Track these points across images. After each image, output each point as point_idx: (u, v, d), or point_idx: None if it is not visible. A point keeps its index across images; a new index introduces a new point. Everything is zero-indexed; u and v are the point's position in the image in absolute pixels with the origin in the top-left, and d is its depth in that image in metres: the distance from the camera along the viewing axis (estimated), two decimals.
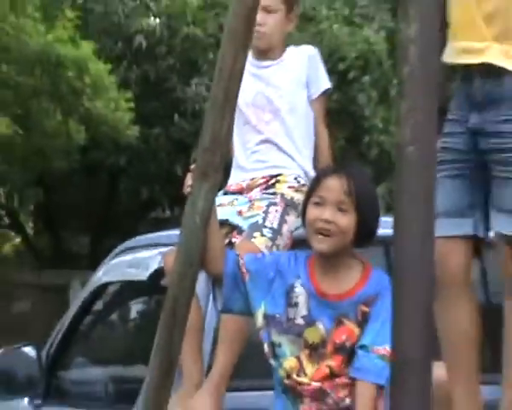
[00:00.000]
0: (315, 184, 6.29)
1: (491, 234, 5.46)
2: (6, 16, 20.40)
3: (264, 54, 7.19)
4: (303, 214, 6.33)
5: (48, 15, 22.26)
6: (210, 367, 7.02)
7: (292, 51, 7.22)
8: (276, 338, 6.23)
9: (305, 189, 6.77)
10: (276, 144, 6.91)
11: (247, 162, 7.09)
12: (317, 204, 6.15)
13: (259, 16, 6.96)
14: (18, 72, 20.95)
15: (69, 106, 22.47)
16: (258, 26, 7.03)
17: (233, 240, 6.88)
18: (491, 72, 5.31)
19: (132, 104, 25.00)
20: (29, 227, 38.34)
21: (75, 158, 25.43)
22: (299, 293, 6.18)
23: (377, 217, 6.26)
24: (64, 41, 22.71)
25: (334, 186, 6.12)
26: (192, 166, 6.09)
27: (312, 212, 6.16)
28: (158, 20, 35.17)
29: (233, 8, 5.53)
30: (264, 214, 6.85)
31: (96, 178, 32.60)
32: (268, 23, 7.17)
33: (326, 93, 7.19)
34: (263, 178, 6.96)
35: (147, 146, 29.77)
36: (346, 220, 6.06)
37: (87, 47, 23.38)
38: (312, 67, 7.09)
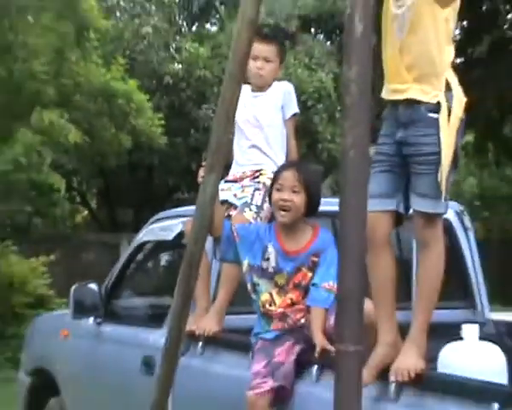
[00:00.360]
0: (276, 176, 6.49)
1: (411, 211, 5.54)
2: (78, 62, 20.32)
3: (259, 89, 7.24)
4: (269, 196, 6.47)
5: (106, 61, 22.27)
6: (214, 298, 7.09)
7: (275, 85, 7.31)
8: (255, 280, 6.39)
9: None
10: (259, 149, 7.03)
11: (241, 160, 7.18)
12: (278, 189, 6.31)
13: (260, 63, 7.34)
14: (87, 100, 20.89)
15: (120, 123, 22.51)
16: (259, 70, 7.33)
17: (231, 213, 6.94)
18: (411, 102, 5.36)
19: (162, 122, 25.10)
20: (93, 204, 38.42)
21: (124, 158, 25.53)
22: (271, 252, 6.33)
23: (319, 196, 6.47)
24: (117, 79, 22.84)
25: (289, 176, 6.28)
26: (203, 164, 6.19)
27: (275, 194, 6.35)
28: (180, 65, 35.26)
29: (231, 59, 5.59)
30: (251, 196, 6.96)
31: (138, 171, 32.68)
32: (266, 69, 7.30)
33: (295, 116, 7.25)
34: (250, 171, 7.07)
35: (172, 150, 29.87)
36: (299, 199, 6.22)
37: (133, 83, 23.53)
38: (287, 97, 7.19)
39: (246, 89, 7.22)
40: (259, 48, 7.26)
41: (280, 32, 14.89)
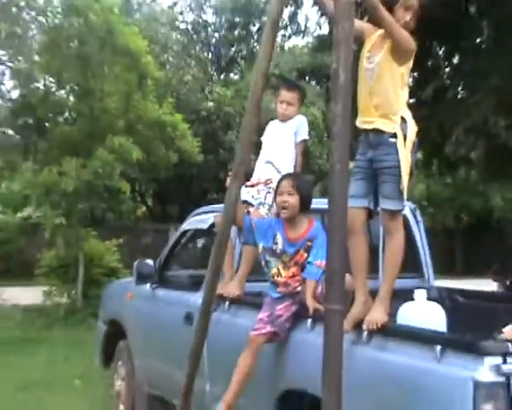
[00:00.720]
0: (278, 183, 6.46)
1: (379, 208, 5.56)
2: (139, 101, 20.31)
3: (283, 120, 7.17)
4: (275, 198, 6.47)
5: (159, 101, 22.24)
6: (237, 270, 7.06)
7: (296, 117, 7.23)
8: (268, 258, 6.38)
9: None
10: (272, 164, 6.96)
11: (258, 171, 7.12)
12: (279, 193, 6.30)
13: (285, 106, 7.25)
14: (145, 129, 20.93)
15: (169, 145, 22.49)
16: (284, 110, 7.24)
17: (249, 209, 6.90)
18: (377, 131, 5.37)
19: (199, 144, 25.17)
20: (149, 202, 38.44)
21: (171, 169, 25.48)
22: (278, 238, 6.31)
23: (311, 197, 6.45)
24: (166, 113, 22.83)
25: (285, 183, 6.30)
26: (229, 174, 6.11)
27: (277, 197, 6.37)
28: (212, 103, 35.33)
29: (249, 99, 5.54)
30: (264, 198, 6.93)
31: (182, 179, 32.60)
32: (288, 110, 7.21)
33: (304, 141, 7.18)
34: (264, 179, 7.00)
35: (206, 164, 29.88)
36: (293, 200, 6.20)
37: (178, 117, 23.55)
38: (299, 126, 7.11)
39: (274, 122, 7.41)
40: (284, 94, 7.26)
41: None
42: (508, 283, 14.33)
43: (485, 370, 4.19)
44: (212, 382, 7.12)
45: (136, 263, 9.17)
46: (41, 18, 34.18)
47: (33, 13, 37.04)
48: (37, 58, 28.93)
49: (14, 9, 37.19)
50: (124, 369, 9.50)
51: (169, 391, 8.17)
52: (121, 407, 9.50)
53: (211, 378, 7.13)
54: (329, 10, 5.40)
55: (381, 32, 5.54)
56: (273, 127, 7.37)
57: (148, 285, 8.86)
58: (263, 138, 7.28)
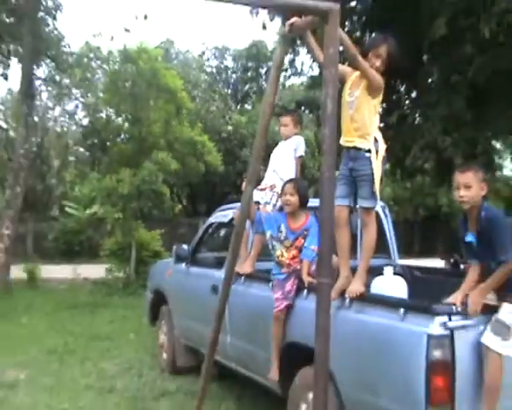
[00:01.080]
0: (283, 186, 6.45)
1: (357, 206, 5.56)
2: (176, 126, 20.24)
3: (285, 139, 7.12)
4: (280, 197, 6.51)
5: (191, 125, 22.14)
6: (250, 253, 7.00)
7: (294, 137, 7.18)
8: (274, 244, 6.37)
9: None
10: (277, 173, 6.92)
11: (266, 179, 7.08)
12: (284, 194, 6.30)
13: (282, 128, 7.34)
14: (181, 146, 20.86)
15: (198, 158, 22.42)
16: (283, 130, 7.32)
17: (260, 207, 6.86)
18: (356, 148, 5.36)
19: (221, 158, 25.09)
20: (184, 202, 38.23)
21: (201, 177, 25.37)
22: (282, 228, 6.32)
23: (307, 198, 6.44)
24: (197, 135, 22.82)
25: (288, 187, 6.31)
26: (244, 180, 6.07)
27: (282, 197, 6.39)
28: (231, 127, 35.22)
29: (259, 124, 5.49)
30: (270, 199, 6.90)
31: (208, 184, 32.52)
32: (286, 130, 7.24)
33: (301, 157, 7.12)
34: (270, 185, 6.97)
35: (226, 173, 29.86)
36: (294, 199, 6.23)
37: (205, 137, 23.69)
38: (298, 144, 7.06)
39: (281, 142, 7.40)
40: (282, 118, 7.32)
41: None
42: (452, 261, 14.40)
43: (436, 326, 4.36)
44: (232, 335, 7.12)
45: (174, 247, 9.19)
46: (104, 65, 34.31)
47: (99, 62, 37.23)
48: (101, 95, 29.14)
49: (85, 60, 37.41)
50: (166, 326, 9.49)
51: (199, 343, 8.18)
52: (164, 355, 9.49)
53: (231, 333, 7.11)
54: (319, 59, 5.39)
55: (357, 73, 5.54)
56: (279, 146, 7.36)
57: (183, 264, 8.86)
58: (274, 154, 7.33)
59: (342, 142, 5.53)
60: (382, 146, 5.58)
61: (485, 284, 4.68)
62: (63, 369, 9.66)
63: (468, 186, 4.74)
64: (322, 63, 5.20)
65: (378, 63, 5.49)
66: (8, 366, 9.75)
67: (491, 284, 4.66)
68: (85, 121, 39.27)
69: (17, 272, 19.50)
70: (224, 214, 8.49)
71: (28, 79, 20.42)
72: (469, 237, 4.90)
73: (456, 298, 4.71)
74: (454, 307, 4.53)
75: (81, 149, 41.38)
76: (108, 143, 25.00)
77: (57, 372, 9.45)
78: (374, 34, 6.21)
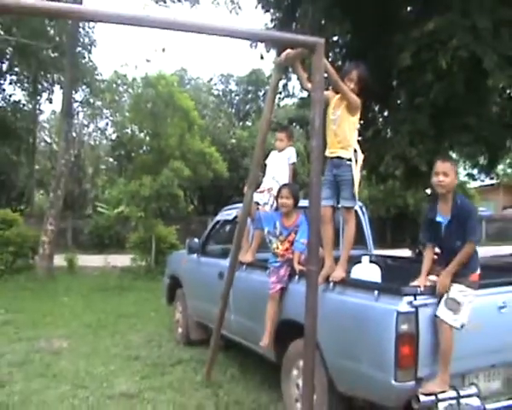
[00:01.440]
0: (279, 190, 6.34)
1: (340, 205, 5.55)
2: (189, 139, 20.21)
3: (279, 151, 7.02)
4: (276, 200, 6.36)
5: (202, 138, 22.05)
6: (251, 245, 6.94)
7: (287, 149, 7.01)
8: (270, 238, 6.32)
9: None
10: (274, 178, 6.82)
11: (265, 183, 7.00)
12: (281, 197, 6.20)
13: (278, 142, 7.11)
14: (193, 156, 20.82)
15: (207, 166, 22.37)
16: (278, 145, 7.11)
17: (259, 207, 6.81)
18: (339, 157, 5.36)
19: (226, 165, 24.92)
20: (196, 202, 38.04)
21: (209, 182, 25.26)
22: (278, 225, 6.24)
23: (299, 198, 6.31)
24: (206, 147, 22.75)
25: (284, 190, 6.21)
26: (246, 183, 6.06)
27: (279, 199, 6.25)
28: (234, 140, 35.19)
29: (258, 138, 5.48)
30: (267, 200, 6.82)
31: (215, 187, 32.42)
32: (281, 144, 7.06)
33: (293, 164, 7.00)
34: (267, 188, 6.87)
35: (230, 178, 29.76)
36: (289, 201, 6.15)
37: (213, 149, 23.56)
38: (291, 154, 6.92)
39: (274, 151, 7.19)
40: (277, 134, 7.19)
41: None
42: (417, 251, 14.47)
43: (403, 304, 4.45)
44: (235, 314, 7.08)
45: (187, 241, 9.13)
46: (130, 90, 34.28)
47: (125, 87, 37.20)
48: (127, 114, 29.12)
49: (114, 85, 37.39)
50: (181, 306, 9.43)
51: (208, 319, 8.11)
52: (179, 330, 9.44)
53: (234, 312, 7.07)
54: (305, 85, 5.52)
55: (338, 96, 5.57)
56: (273, 155, 7.21)
57: (195, 255, 8.80)
58: (267, 161, 7.13)
59: (327, 153, 5.52)
60: (360, 156, 5.59)
61: (451, 266, 4.71)
62: (97, 340, 9.70)
63: (446, 174, 4.79)
64: (307, 89, 5.52)
65: (352, 85, 5.51)
66: (53, 337, 9.84)
67: (456, 265, 4.71)
68: (114, 136, 39.37)
69: (59, 260, 19.53)
70: (228, 213, 8.46)
71: (68, 102, 20.41)
72: (440, 218, 4.93)
73: (420, 281, 4.80)
74: (418, 289, 4.63)
75: (110, 159, 41.43)
76: (133, 154, 25.07)
77: (92, 343, 9.50)
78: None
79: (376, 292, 4.67)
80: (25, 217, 22.79)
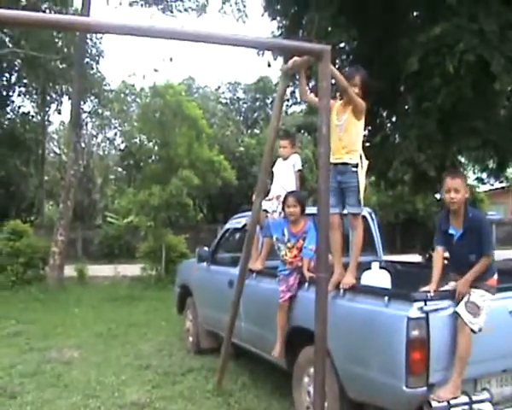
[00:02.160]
0: (284, 198, 6.30)
1: (346, 212, 5.56)
2: (197, 148, 20.23)
3: (284, 159, 7.01)
4: (283, 208, 6.32)
5: (210, 147, 22.04)
6: (260, 253, 6.97)
7: (292, 156, 7.01)
8: (279, 245, 6.31)
9: None
10: (281, 185, 6.80)
11: (273, 190, 6.99)
12: (287, 206, 6.18)
13: (282, 149, 7.18)
14: (201, 165, 20.76)
15: (216, 174, 22.39)
16: (282, 152, 7.15)
17: (268, 215, 6.84)
18: (344, 164, 5.36)
19: (235, 173, 24.97)
20: (205, 211, 37.98)
21: (218, 190, 25.29)
22: (286, 232, 6.22)
23: (305, 206, 6.28)
24: (215, 155, 22.77)
25: (290, 199, 6.19)
26: (255, 191, 6.06)
27: (286, 209, 6.23)
28: (242, 148, 35.25)
29: (266, 145, 5.48)
30: (276, 207, 6.81)
31: (224, 196, 32.40)
32: (284, 151, 7.09)
33: (299, 171, 7.00)
34: (276, 195, 6.86)
35: (240, 186, 29.77)
36: (296, 209, 6.12)
37: (222, 157, 23.54)
38: (296, 161, 6.90)
39: (279, 159, 7.21)
40: (280, 142, 7.20)
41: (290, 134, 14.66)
42: (427, 256, 14.41)
43: (414, 310, 4.44)
44: (245, 321, 7.09)
45: (197, 249, 9.18)
46: (138, 99, 34.41)
47: (133, 97, 37.32)
48: (135, 124, 29.21)
49: (122, 95, 37.52)
50: (191, 315, 9.45)
51: (219, 327, 8.11)
52: (190, 338, 9.46)
53: (244, 319, 7.07)
54: (306, 98, 5.85)
55: (339, 102, 5.67)
56: (279, 163, 7.23)
57: (205, 263, 8.82)
58: (273, 169, 7.13)
59: (332, 159, 5.52)
60: (365, 162, 5.63)
61: (469, 274, 4.75)
62: (108, 350, 9.72)
63: (457, 190, 4.83)
64: (305, 100, 6.09)
65: (357, 90, 5.56)
66: (64, 347, 9.88)
67: (474, 274, 4.75)
68: (123, 146, 39.47)
69: (69, 271, 19.53)
70: (237, 221, 8.47)
71: (76, 112, 20.52)
72: (452, 231, 4.96)
73: (431, 286, 4.80)
74: (428, 294, 4.61)
75: (119, 169, 41.56)
76: (142, 164, 25.11)
77: (103, 352, 9.51)
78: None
79: (386, 298, 4.67)
80: (35, 228, 22.84)
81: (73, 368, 8.56)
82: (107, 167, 42.55)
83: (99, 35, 30.84)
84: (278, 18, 16.02)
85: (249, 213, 6.86)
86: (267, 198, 6.99)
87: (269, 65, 15.85)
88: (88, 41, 26.88)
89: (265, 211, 6.96)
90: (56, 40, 27.85)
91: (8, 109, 35.72)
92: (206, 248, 8.99)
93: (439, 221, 5.16)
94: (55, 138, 43.95)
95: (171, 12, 25.60)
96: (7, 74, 34.78)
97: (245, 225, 7.53)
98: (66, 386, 7.67)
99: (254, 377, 7.78)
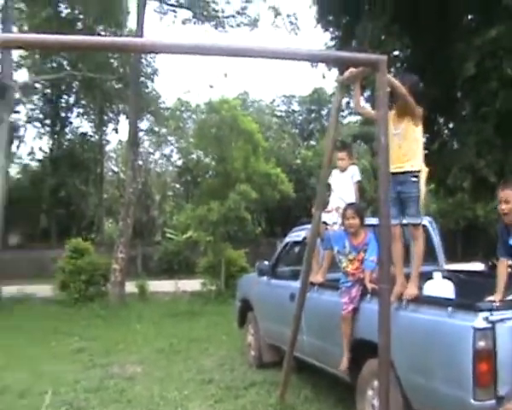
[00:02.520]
0: (344, 211, 6.30)
1: (406, 222, 5.52)
2: (254, 162, 20.27)
3: (342, 171, 6.97)
4: (342, 220, 6.31)
5: (267, 160, 22.08)
6: (321, 266, 6.94)
7: (350, 167, 6.97)
8: (340, 258, 6.30)
9: None
10: (341, 197, 6.75)
11: (332, 202, 6.95)
12: (346, 218, 6.17)
13: (340, 162, 7.07)
14: (258, 179, 20.78)
15: (273, 188, 22.27)
16: (341, 164, 7.04)
17: (328, 227, 6.82)
18: (404, 173, 5.31)
19: (292, 186, 24.95)
20: (263, 225, 37.97)
21: (276, 203, 25.20)
22: (347, 244, 6.20)
23: (364, 217, 6.29)
24: (271, 168, 22.65)
25: (349, 212, 6.19)
26: (314, 204, 6.05)
27: (345, 220, 6.23)
28: (299, 160, 35.21)
29: (325, 156, 5.48)
30: (336, 219, 6.77)
31: (283, 208, 32.32)
32: (343, 163, 7.02)
33: (358, 182, 6.94)
34: (335, 207, 6.83)
35: (297, 199, 29.66)
36: (355, 221, 6.11)
37: (278, 170, 23.32)
38: (354, 173, 6.84)
39: (336, 171, 7.14)
40: (338, 154, 7.14)
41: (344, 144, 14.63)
42: (490, 264, 14.14)
43: (480, 320, 4.36)
44: (307, 335, 7.06)
45: (257, 263, 9.26)
46: (193, 116, 34.81)
47: (189, 113, 37.77)
48: (191, 140, 29.53)
49: (177, 112, 38.02)
50: (252, 329, 9.47)
51: (280, 341, 8.12)
52: (252, 352, 9.47)
53: (306, 333, 7.05)
54: (360, 110, 5.75)
55: (393, 112, 5.60)
56: (336, 175, 7.16)
57: (265, 277, 8.86)
58: (330, 181, 7.09)
59: (392, 169, 5.50)
60: (425, 169, 5.59)
61: None
62: (170, 365, 9.79)
63: (508, 201, 4.86)
64: (359, 111, 6.15)
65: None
66: (126, 363, 10.02)
67: None
68: (179, 162, 39.91)
69: (130, 287, 19.83)
70: (297, 234, 8.47)
71: (134, 131, 20.87)
72: None
73: (496, 296, 4.75)
74: (494, 304, 4.56)
75: (177, 185, 42.03)
76: (199, 179, 25.34)
77: (165, 368, 9.59)
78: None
79: (451, 308, 4.62)
80: (95, 245, 23.22)
81: (136, 383, 8.66)
82: (165, 184, 43.03)
83: (153, 54, 31.32)
84: (331, 29, 16.02)
85: (308, 225, 6.87)
86: (326, 210, 6.97)
87: (323, 76, 15.88)
88: (142, 60, 27.31)
89: (325, 223, 6.95)
90: (112, 61, 28.39)
91: (67, 130, 36.67)
92: (266, 262, 9.04)
93: (500, 231, 5.14)
94: (112, 157, 44.72)
95: (223, 27, 25.94)
96: (66, 96, 35.79)
97: (305, 237, 7.54)
98: (129, 401, 7.76)
99: (317, 390, 7.74)
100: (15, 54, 23.79)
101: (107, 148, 41.68)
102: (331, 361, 6.32)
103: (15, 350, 11.48)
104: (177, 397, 7.82)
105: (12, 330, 14.00)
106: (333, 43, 16.03)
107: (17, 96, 22.60)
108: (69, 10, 25.26)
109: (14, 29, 22.26)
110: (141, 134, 36.15)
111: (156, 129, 39.26)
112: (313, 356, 7.21)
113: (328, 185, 6.90)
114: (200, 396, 7.79)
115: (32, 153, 38.62)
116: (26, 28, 23.87)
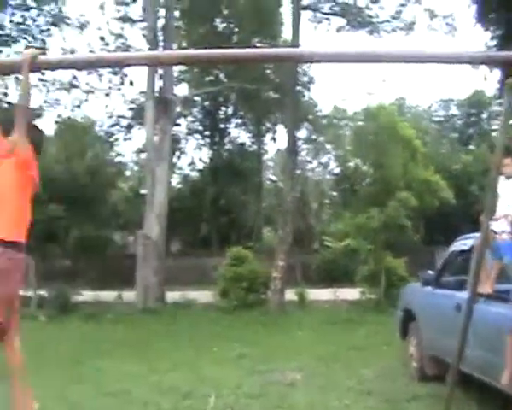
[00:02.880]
0: None
1: None
2: (413, 168, 19.97)
3: (508, 177, 6.61)
4: None
5: (425, 166, 21.46)
6: (489, 276, 6.65)
7: None
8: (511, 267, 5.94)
9: None
10: (509, 204, 6.36)
11: (500, 209, 6.60)
12: None
13: (506, 169, 6.61)
14: (417, 186, 20.36)
15: (433, 194, 21.56)
16: (505, 171, 6.62)
17: (496, 236, 6.49)
18: None
19: (452, 193, 23.90)
20: (422, 233, 36.87)
21: (434, 209, 24.16)
22: None
23: None
24: (430, 174, 21.97)
25: None
26: (480, 212, 5.83)
27: None
28: (457, 166, 34.18)
29: (492, 162, 5.26)
30: (506, 226, 6.45)
31: (442, 215, 30.99)
32: (507, 170, 6.61)
33: None
34: (503, 215, 6.50)
35: (457, 206, 28.47)
36: None
37: (438, 176, 22.53)
38: None
39: (501, 177, 6.69)
40: (504, 160, 6.78)
41: None
42: None
43: None
44: (473, 348, 6.74)
45: (421, 273, 9.17)
46: (350, 123, 34.83)
47: (345, 121, 37.74)
48: (348, 147, 29.54)
49: (334, 120, 38.16)
50: (415, 339, 9.29)
51: (444, 353, 7.89)
52: (414, 364, 9.28)
53: (472, 346, 6.73)
54: None
55: None
56: (503, 182, 6.78)
57: (430, 287, 8.70)
58: (498, 190, 6.76)
59: None
60: None
61: None
62: (329, 373, 9.79)
63: None
64: None
65: None
66: (286, 369, 10.05)
67: None
68: (337, 170, 39.94)
69: (289, 295, 20.13)
70: (464, 243, 8.21)
71: (292, 140, 21.21)
72: None
73: None
74: None
75: (334, 193, 42.05)
76: (356, 187, 25.23)
77: (325, 375, 9.58)
78: None
79: None
80: (254, 253, 23.72)
81: (297, 390, 8.68)
82: (322, 192, 43.23)
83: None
84: (491, 27, 15.49)
85: (475, 234, 6.64)
86: (494, 218, 6.68)
87: (485, 78, 15.40)
88: (298, 69, 27.60)
89: (493, 231, 6.65)
90: (267, 71, 28.89)
91: (226, 141, 37.78)
92: (430, 272, 8.92)
93: None
94: (270, 166, 45.50)
95: (378, 33, 25.71)
96: (224, 108, 36.90)
97: (472, 246, 7.27)
98: (290, 408, 7.79)
99: (482, 407, 7.45)
100: (175, 69, 24.77)
101: (265, 157, 42.52)
102: (497, 375, 6.05)
103: (179, 354, 11.93)
104: (338, 407, 7.76)
105: (176, 334, 14.72)
106: (494, 42, 15.51)
107: (178, 109, 23.56)
108: (225, 25, 26.04)
109: (174, 46, 23.15)
110: (299, 143, 36.58)
111: (314, 137, 39.55)
112: (479, 370, 6.96)
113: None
114: (360, 407, 7.71)
115: (192, 163, 40.09)
116: (184, 44, 24.84)
